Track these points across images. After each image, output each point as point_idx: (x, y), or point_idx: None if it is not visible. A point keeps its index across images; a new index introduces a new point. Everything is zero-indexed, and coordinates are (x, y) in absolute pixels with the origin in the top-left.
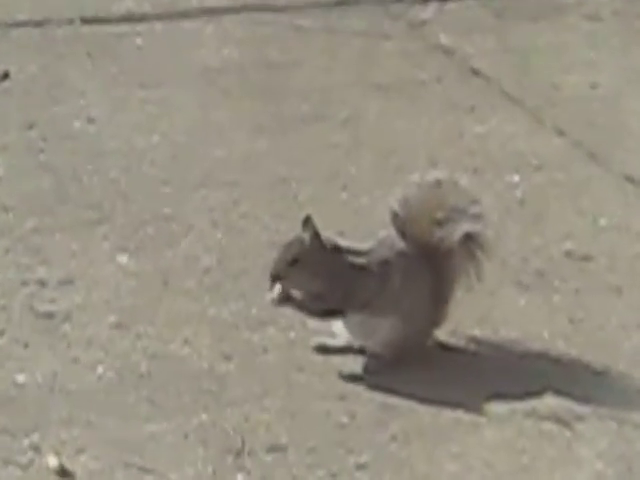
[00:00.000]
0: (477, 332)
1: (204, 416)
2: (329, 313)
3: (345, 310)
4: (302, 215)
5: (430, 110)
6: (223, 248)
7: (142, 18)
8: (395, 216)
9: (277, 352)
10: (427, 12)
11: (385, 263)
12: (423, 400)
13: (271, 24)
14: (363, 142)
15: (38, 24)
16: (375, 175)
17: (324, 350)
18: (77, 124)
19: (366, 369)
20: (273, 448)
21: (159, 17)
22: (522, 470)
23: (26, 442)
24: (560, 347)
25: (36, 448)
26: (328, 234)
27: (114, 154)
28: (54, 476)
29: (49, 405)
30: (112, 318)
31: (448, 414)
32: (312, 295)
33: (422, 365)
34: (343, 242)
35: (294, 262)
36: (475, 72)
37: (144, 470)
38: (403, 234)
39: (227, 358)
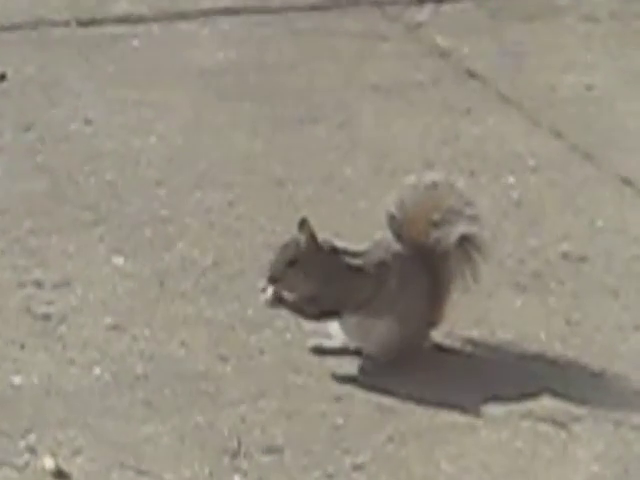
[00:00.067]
0: (473, 333)
1: (200, 417)
2: (325, 314)
3: (341, 311)
4: (298, 217)
5: (426, 112)
6: (219, 250)
7: (139, 20)
8: (391, 218)
9: (273, 353)
10: (423, 14)
11: (381, 265)
12: (419, 401)
13: (268, 26)
14: (359, 144)
15: (34, 26)
16: (371, 177)
17: (320, 351)
18: (74, 126)
19: (362, 370)
20: (269, 449)
21: (156, 19)
22: (518, 471)
23: (22, 444)
24: (557, 349)
25: (32, 450)
26: (324, 236)
27: (111, 155)
28: (50, 478)
29: (45, 407)
30: (108, 320)
31: (444, 415)
32: (308, 296)
33: (418, 366)
34: (339, 244)
35: (291, 264)
36: (471, 74)
37: (140, 472)
38: (399, 236)
39: (223, 360)
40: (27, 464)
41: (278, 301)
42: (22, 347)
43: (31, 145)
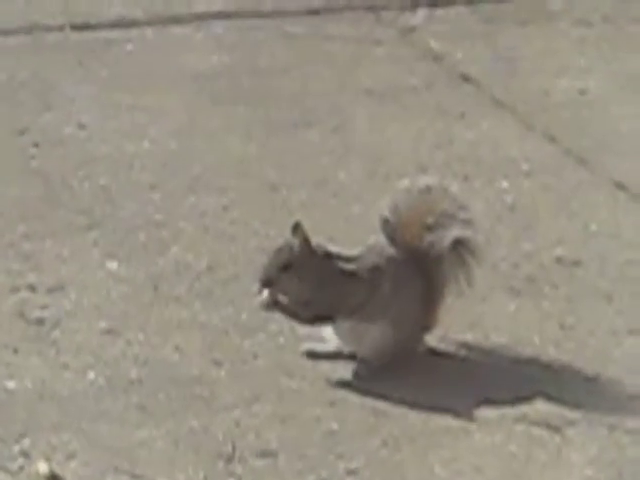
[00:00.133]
0: (467, 337)
1: (194, 422)
2: (319, 319)
3: (335, 316)
4: (292, 221)
5: (420, 116)
6: (213, 254)
7: (132, 24)
8: (385, 222)
9: (267, 358)
10: (417, 18)
11: (375, 269)
12: (413, 405)
13: (261, 30)
14: (353, 148)
15: (28, 30)
16: (365, 181)
17: (314, 356)
18: (68, 130)
19: (356, 375)
20: (263, 454)
21: (149, 23)
22: (512, 475)
23: (16, 448)
24: (551, 353)
25: (26, 454)
26: (318, 240)
27: (105, 160)
28: None
29: (39, 411)
30: (102, 324)
31: (438, 419)
32: (302, 301)
33: (412, 371)
34: (333, 248)
35: (284, 268)
36: (465, 78)
37: (135, 476)
38: (393, 240)
39: (217, 364)
40: (21, 469)
41: (273, 304)
42: (16, 351)
43: (25, 149)
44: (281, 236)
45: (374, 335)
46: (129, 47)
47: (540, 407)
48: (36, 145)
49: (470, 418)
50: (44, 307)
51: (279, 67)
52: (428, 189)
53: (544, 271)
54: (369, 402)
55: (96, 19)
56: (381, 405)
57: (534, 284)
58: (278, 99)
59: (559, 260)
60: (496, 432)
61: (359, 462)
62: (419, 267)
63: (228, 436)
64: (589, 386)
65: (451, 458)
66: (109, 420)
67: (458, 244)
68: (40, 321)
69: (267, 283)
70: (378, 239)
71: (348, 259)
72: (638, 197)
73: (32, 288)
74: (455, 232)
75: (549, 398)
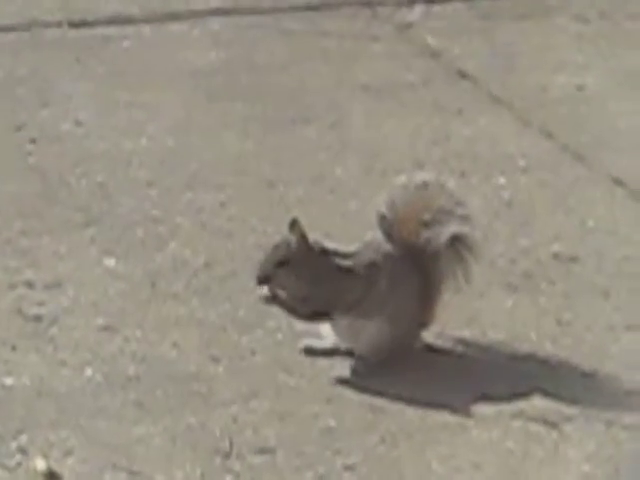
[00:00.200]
0: (465, 334)
1: (192, 418)
2: (316, 315)
3: (332, 312)
4: (289, 217)
5: (417, 112)
6: (211, 250)
7: (130, 21)
8: (382, 218)
9: (265, 354)
10: (414, 14)
11: (372, 265)
12: (411, 402)
13: (259, 27)
14: (350, 144)
15: (27, 27)
16: (362, 177)
17: (312, 352)
18: (65, 127)
19: (354, 371)
20: (261, 450)
21: (147, 20)
22: (510, 471)
23: (14, 445)
24: (548, 349)
25: (24, 451)
26: (315, 236)
27: (102, 157)
28: (42, 479)
29: (37, 408)
30: (100, 321)
31: (436, 416)
32: (299, 297)
33: (410, 367)
34: (330, 244)
35: (281, 264)
36: (462, 74)
37: (132, 472)
38: (390, 236)
39: (215, 360)
40: (19, 465)
41: (273, 298)
42: (13, 348)
43: (22, 146)
44: (278, 232)
45: (371, 331)
46: (126, 44)
47: (537, 403)
48: (33, 141)
49: (467, 414)
50: (41, 304)
51: (276, 63)
52: (425, 185)
53: (541, 267)
54: (367, 398)
55: (93, 16)
56: (378, 401)
57: (531, 280)
58: (275, 95)
59: (556, 256)
60: (493, 428)
61: (357, 458)
62: (416, 263)
63: (226, 432)
64: (586, 382)
65: (449, 454)
66: (107, 417)
67: (455, 240)
68: (38, 318)
69: (264, 279)
70: (375, 235)
71: (345, 255)
72: (636, 193)
73: (29, 285)
74: (452, 228)
75: (546, 394)
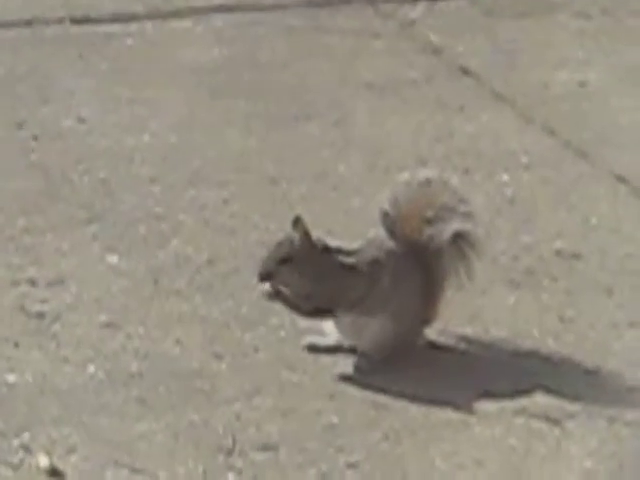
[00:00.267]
0: (467, 331)
1: (195, 415)
2: (319, 312)
3: (335, 310)
4: (292, 215)
5: (420, 109)
6: (214, 247)
7: (132, 18)
8: (385, 215)
9: (268, 351)
10: (417, 11)
11: (375, 263)
12: (414, 399)
13: (261, 24)
14: (353, 141)
15: (28, 24)
16: (365, 174)
17: (315, 349)
18: (67, 124)
19: (357, 368)
20: (264, 447)
21: (149, 17)
22: (512, 468)
23: (16, 442)
24: (550, 346)
25: (26, 448)
26: (318, 234)
27: (104, 153)
28: (44, 476)
29: (39, 405)
30: (102, 318)
31: (439, 412)
32: (301, 294)
33: (412, 364)
34: (333, 242)
35: (284, 261)
36: (465, 71)
37: (135, 469)
38: (393, 233)
39: (218, 357)
40: (21, 462)
41: (276, 295)
42: (16, 345)
43: (24, 143)
44: (281, 230)
45: (374, 329)
46: (129, 41)
47: (540, 400)
48: (35, 138)
49: (470, 411)
50: (44, 301)
51: (279, 61)
52: (428, 182)
53: (544, 264)
54: (369, 395)
55: (96, 13)
56: (381, 398)
57: (534, 277)
58: (278, 92)
59: (559, 253)
60: (496, 425)
61: (359, 455)
62: (419, 260)
63: (228, 429)
64: (589, 379)
65: (451, 451)
66: (109, 414)
67: (458, 237)
68: (40, 315)
69: (266, 276)
70: (378, 232)
71: (348, 253)
72: (638, 190)
73: (32, 282)
74: (455, 225)
75: (549, 391)
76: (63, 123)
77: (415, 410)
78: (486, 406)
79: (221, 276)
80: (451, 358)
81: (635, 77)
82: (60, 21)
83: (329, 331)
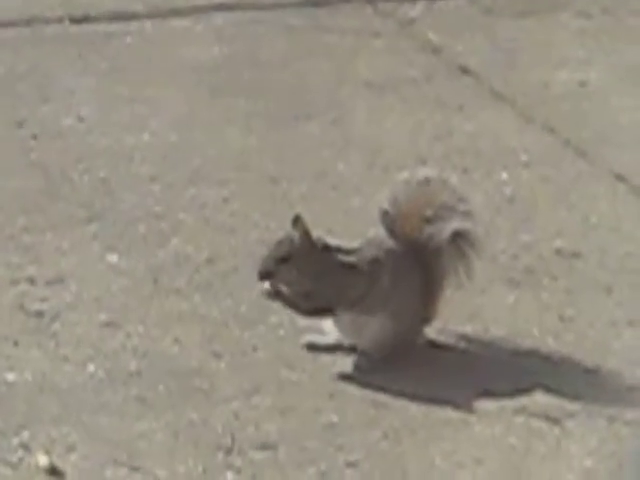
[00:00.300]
0: (467, 329)
1: (194, 414)
2: (319, 311)
3: (335, 308)
4: (292, 213)
5: (419, 108)
6: (213, 246)
7: (132, 17)
8: (384, 214)
9: (267, 350)
10: (416, 10)
11: (374, 262)
12: (413, 398)
13: (261, 22)
14: (352, 140)
15: (28, 23)
16: (364, 173)
17: (314, 348)
18: (67, 122)
19: (356, 367)
20: (263, 446)
21: (149, 15)
22: (512, 467)
23: (16, 441)
24: (550, 344)
25: (26, 447)
26: (318, 233)
27: (104, 152)
28: (44, 475)
29: (39, 403)
30: (102, 317)
31: (438, 411)
32: (301, 293)
33: (412, 363)
34: (332, 241)
35: (283, 260)
36: (464, 70)
37: (134, 468)
38: (392, 232)
39: (217, 356)
40: (21, 461)
41: (275, 294)
42: (16, 344)
43: (24, 142)
44: (281, 228)
45: (374, 327)
46: (129, 39)
47: (539, 399)
48: (35, 137)
49: (470, 410)
50: (44, 300)
51: (279, 59)
52: (427, 181)
53: (543, 263)
54: (369, 394)
55: (96, 11)
56: (381, 397)
57: (533, 276)
58: (278, 91)
59: (558, 252)
60: (496, 424)
61: (359, 454)
62: (418, 259)
63: (227, 428)
64: (588, 378)
65: (451, 450)
66: (109, 412)
67: (457, 236)
68: (40, 314)
69: (266, 275)
70: (378, 231)
71: (348, 252)
72: (638, 189)
73: (32, 281)
74: (454, 224)
75: (548, 390)
76: (63, 122)
77: (415, 409)
78: (486, 405)
79: (221, 275)
80: (451, 357)
81: (635, 77)
82: (60, 20)
83: (329, 330)
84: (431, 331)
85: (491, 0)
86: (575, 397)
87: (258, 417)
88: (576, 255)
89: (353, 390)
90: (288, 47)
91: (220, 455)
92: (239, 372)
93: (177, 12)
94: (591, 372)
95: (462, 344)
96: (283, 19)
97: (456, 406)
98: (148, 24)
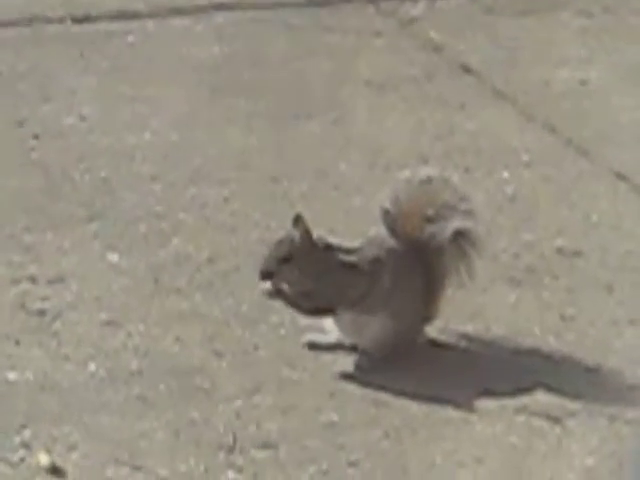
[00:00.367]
0: (468, 328)
1: (195, 413)
2: (320, 310)
3: (336, 308)
4: (293, 213)
5: (421, 107)
6: (214, 245)
7: (133, 16)
8: (386, 213)
9: (268, 349)
10: (417, 9)
11: (375, 261)
12: (414, 397)
13: (262, 22)
14: (353, 139)
15: (29, 22)
16: (365, 172)
17: (315, 347)
18: (68, 122)
19: (357, 366)
20: (264, 445)
21: (150, 15)
22: (513, 466)
23: (17, 440)
24: (551, 343)
25: (27, 446)
26: (318, 232)
27: (105, 152)
28: (45, 474)
29: (40, 402)
30: (103, 316)
31: (439, 411)
32: (302, 293)
33: (413, 362)
34: (333, 240)
35: (284, 260)
36: (465, 69)
37: (135, 467)
38: (393, 231)
39: (218, 355)
40: (22, 460)
41: (276, 294)
42: (17, 343)
43: (25, 141)
44: (282, 228)
45: (375, 327)
46: (130, 39)
47: (540, 398)
48: (36, 137)
49: (471, 409)
50: (45, 299)
51: (279, 59)
52: (429, 180)
53: (545, 262)
54: (370, 393)
55: (97, 11)
56: (382, 396)
57: (534, 275)
58: (278, 90)
59: (560, 251)
60: (497, 423)
61: (360, 453)
62: (420, 259)
63: (229, 427)
64: (589, 377)
65: (452, 449)
66: (110, 411)
67: (459, 235)
68: (41, 313)
69: (267, 275)
70: (379, 231)
71: (349, 251)
72: (638, 188)
73: (33, 280)
74: (456, 223)
75: (549, 389)
76: (64, 121)
77: (416, 408)
78: (487, 404)
79: (221, 274)
80: (452, 356)
81: (636, 76)
82: (61, 19)
83: (329, 329)
84: (432, 330)
85: None
86: (576, 396)
87: (259, 416)
88: (577, 254)
89: (354, 389)
90: (289, 46)
91: (221, 454)
92: (240, 371)
93: (178, 11)
94: (592, 371)
95: (463, 343)
96: (284, 18)
97: (457, 405)
98: (149, 23)
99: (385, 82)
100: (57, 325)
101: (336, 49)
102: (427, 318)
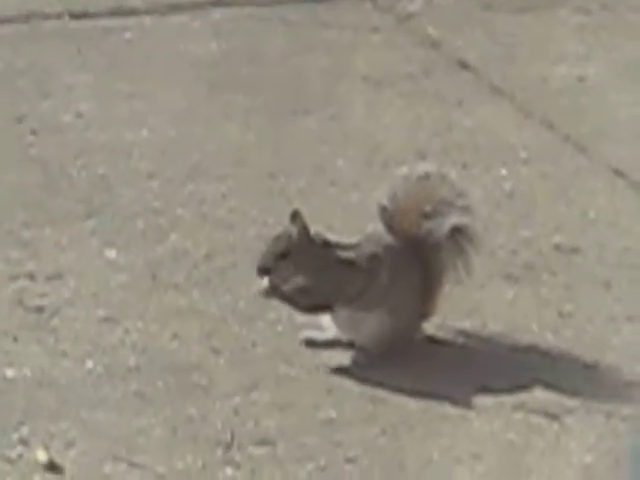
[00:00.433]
0: (465, 325)
1: (193, 410)
2: (317, 307)
3: (333, 304)
4: (290, 209)
5: (418, 103)
6: (212, 242)
7: (131, 12)
8: (383, 210)
9: (266, 346)
10: (415, 5)
11: (373, 257)
12: (412, 393)
13: (259, 18)
14: (351, 135)
15: (27, 19)
16: (363, 169)
17: (312, 344)
18: (66, 118)
19: (354, 363)
20: (262, 442)
21: (148, 11)
22: (511, 463)
23: (15, 436)
24: (549, 340)
25: (25, 442)
26: (316, 228)
27: (103, 148)
28: (43, 470)
29: (38, 399)
30: (101, 312)
31: (437, 407)
32: (300, 289)
33: (411, 358)
34: (331, 236)
35: (282, 256)
36: (463, 65)
37: (133, 464)
38: (391, 227)
39: (216, 352)
40: (20, 457)
41: (273, 291)
42: (15, 339)
43: (23, 137)
44: (279, 224)
45: (372, 323)
46: (127, 35)
47: (538, 395)
48: (34, 133)
49: (468, 406)
50: (43, 295)
51: (277, 55)
52: (426, 176)
53: (542, 258)
54: (367, 390)
55: (94, 7)
56: (379, 393)
57: (532, 271)
58: (276, 87)
59: (557, 247)
60: (494, 420)
61: (358, 450)
62: (417, 255)
63: (227, 424)
64: (587, 374)
65: (450, 446)
66: (107, 408)
67: (456, 231)
68: (39, 309)
69: (265, 271)
70: (376, 227)
71: (346, 247)
72: (636, 184)
73: (31, 276)
74: (453, 219)
75: (547, 386)
76: (62, 118)
77: (413, 404)
78: (484, 401)
79: (219, 270)
80: (449, 352)
81: (634, 72)
82: (58, 16)
83: (327, 326)
84: (430, 326)
85: None
86: (574, 393)
87: (257, 413)
88: (575, 250)
89: (351, 386)
90: (286, 42)
91: (219, 450)
92: (238, 368)
93: (176, 8)
94: (590, 368)
95: (461, 339)
96: (281, 14)
97: (454, 402)
98: (147, 20)
99: (382, 78)
100: (55, 321)
101: (333, 45)
102: (424, 314)
